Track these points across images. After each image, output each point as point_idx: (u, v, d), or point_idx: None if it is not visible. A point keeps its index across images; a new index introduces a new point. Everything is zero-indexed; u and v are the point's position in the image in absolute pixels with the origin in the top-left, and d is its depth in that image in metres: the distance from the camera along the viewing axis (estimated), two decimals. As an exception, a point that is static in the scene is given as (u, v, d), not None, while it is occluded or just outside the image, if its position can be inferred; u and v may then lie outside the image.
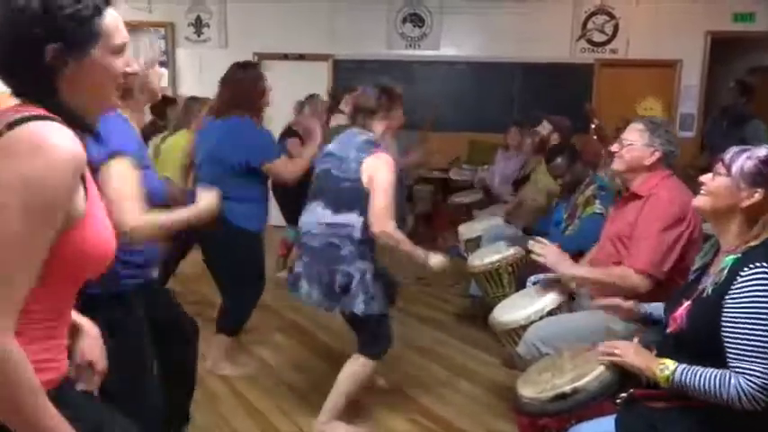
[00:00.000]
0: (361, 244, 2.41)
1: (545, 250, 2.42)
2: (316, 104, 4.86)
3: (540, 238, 2.53)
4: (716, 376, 1.50)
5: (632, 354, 1.71)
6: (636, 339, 1.86)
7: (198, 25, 6.97)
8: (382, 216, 2.34)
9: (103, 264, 1.10)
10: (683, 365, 1.58)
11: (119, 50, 1.08)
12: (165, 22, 6.85)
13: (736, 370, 1.48)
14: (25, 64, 1.00)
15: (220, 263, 3.02)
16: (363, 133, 2.48)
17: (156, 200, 1.77)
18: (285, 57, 6.77)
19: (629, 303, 2.02)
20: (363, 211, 2.38)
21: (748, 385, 1.45)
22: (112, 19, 1.06)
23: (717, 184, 1.66)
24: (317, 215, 2.47)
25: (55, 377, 1.08)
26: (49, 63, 0.99)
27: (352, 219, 2.39)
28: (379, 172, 2.36)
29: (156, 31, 6.65)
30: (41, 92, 1.02)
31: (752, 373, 1.46)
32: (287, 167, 3.03)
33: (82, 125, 1.05)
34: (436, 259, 2.48)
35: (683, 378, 1.56)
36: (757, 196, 1.59)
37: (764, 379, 1.45)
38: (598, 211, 3.13)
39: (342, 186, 2.41)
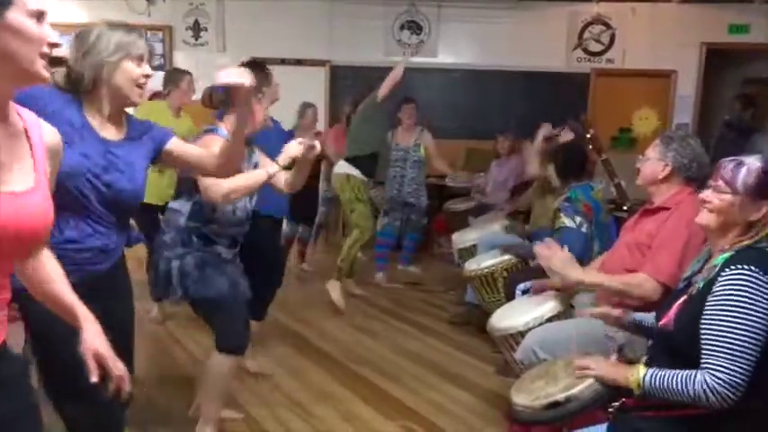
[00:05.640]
0: (185, 231, 2.36)
1: (551, 253, 2.28)
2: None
3: (548, 240, 2.42)
4: (683, 375, 1.51)
5: (606, 367, 1.73)
6: (613, 357, 1.87)
7: (196, 29, 6.98)
8: (206, 184, 2.20)
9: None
10: (653, 369, 1.59)
11: (35, 15, 1.06)
12: (164, 25, 6.85)
13: (705, 365, 1.49)
14: None
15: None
16: (210, 125, 2.43)
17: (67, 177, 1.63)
18: (282, 62, 6.78)
19: (618, 311, 2.03)
20: (190, 196, 2.34)
21: (713, 380, 1.46)
22: None
23: (722, 203, 1.64)
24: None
25: None
26: None
27: (183, 205, 2.37)
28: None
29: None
30: None
31: (717, 368, 1.46)
32: None
33: None
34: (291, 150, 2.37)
35: (653, 381, 1.57)
36: (765, 209, 1.60)
37: (729, 374, 1.45)
38: (563, 225, 3.07)
39: (178, 175, 2.43)
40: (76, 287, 1.65)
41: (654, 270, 2.20)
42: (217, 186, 2.19)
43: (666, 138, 2.34)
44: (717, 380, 1.45)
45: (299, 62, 6.86)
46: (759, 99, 5.52)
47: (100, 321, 1.74)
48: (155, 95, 4.35)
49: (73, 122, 1.67)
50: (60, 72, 1.71)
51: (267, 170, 2.36)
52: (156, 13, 6.75)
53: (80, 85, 1.70)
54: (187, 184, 2.33)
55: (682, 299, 1.68)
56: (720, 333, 1.48)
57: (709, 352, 1.49)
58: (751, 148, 4.37)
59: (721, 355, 1.47)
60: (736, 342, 1.46)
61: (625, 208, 3.45)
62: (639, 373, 1.60)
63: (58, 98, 1.69)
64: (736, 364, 1.45)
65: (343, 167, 4.60)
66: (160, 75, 7.27)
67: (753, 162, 1.63)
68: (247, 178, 2.30)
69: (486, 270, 3.50)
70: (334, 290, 4.33)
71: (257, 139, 2.55)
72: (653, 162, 2.32)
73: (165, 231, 2.39)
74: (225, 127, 2.35)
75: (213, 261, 2.39)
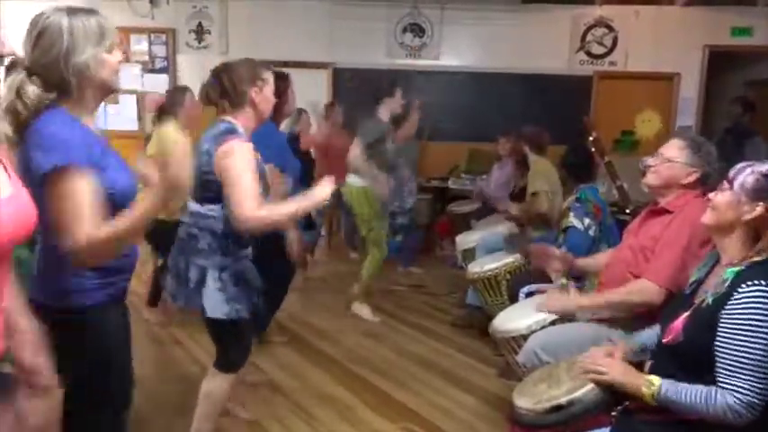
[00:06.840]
0: (223, 238, 2.18)
1: (549, 302, 2.51)
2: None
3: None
4: (702, 393, 1.52)
5: (618, 372, 1.73)
6: (620, 354, 1.86)
7: (199, 32, 6.98)
8: (242, 203, 2.05)
9: None
10: (668, 381, 1.59)
11: None
12: (167, 28, 6.86)
13: (723, 385, 1.49)
14: None
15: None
16: (225, 122, 2.25)
17: (124, 200, 1.52)
18: (285, 64, 6.78)
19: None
20: (219, 200, 2.16)
21: (735, 402, 1.47)
22: None
23: (720, 199, 1.68)
24: (188, 207, 2.28)
25: None
26: None
27: (215, 210, 2.18)
28: (229, 161, 2.10)
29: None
30: None
31: (738, 389, 1.47)
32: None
33: None
34: (322, 191, 2.17)
35: (668, 394, 1.57)
36: (759, 210, 1.60)
37: (750, 396, 1.46)
38: (570, 224, 3.12)
39: (198, 178, 2.14)
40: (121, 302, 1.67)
41: (655, 274, 2.20)
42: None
43: (694, 143, 2.27)
44: (739, 402, 1.47)
45: (301, 65, 6.87)
46: (759, 101, 5.50)
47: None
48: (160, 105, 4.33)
49: (90, 140, 1.50)
50: (30, 84, 1.45)
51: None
52: (160, 16, 6.76)
53: (64, 90, 1.49)
54: (215, 188, 2.15)
55: (687, 312, 1.67)
56: (741, 353, 1.48)
57: (729, 371, 1.50)
58: (750, 152, 4.35)
59: (742, 375, 1.47)
60: (758, 362, 1.47)
61: (628, 211, 3.45)
62: (655, 385, 1.60)
63: (67, 129, 1.47)
64: (758, 385, 1.47)
65: (359, 181, 4.18)
66: (163, 78, 7.25)
67: (761, 165, 1.65)
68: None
69: (490, 273, 3.49)
70: (363, 310, 4.29)
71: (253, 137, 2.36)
72: (678, 166, 2.25)
73: (198, 237, 2.20)
74: (238, 121, 2.23)
75: (245, 273, 2.26)
